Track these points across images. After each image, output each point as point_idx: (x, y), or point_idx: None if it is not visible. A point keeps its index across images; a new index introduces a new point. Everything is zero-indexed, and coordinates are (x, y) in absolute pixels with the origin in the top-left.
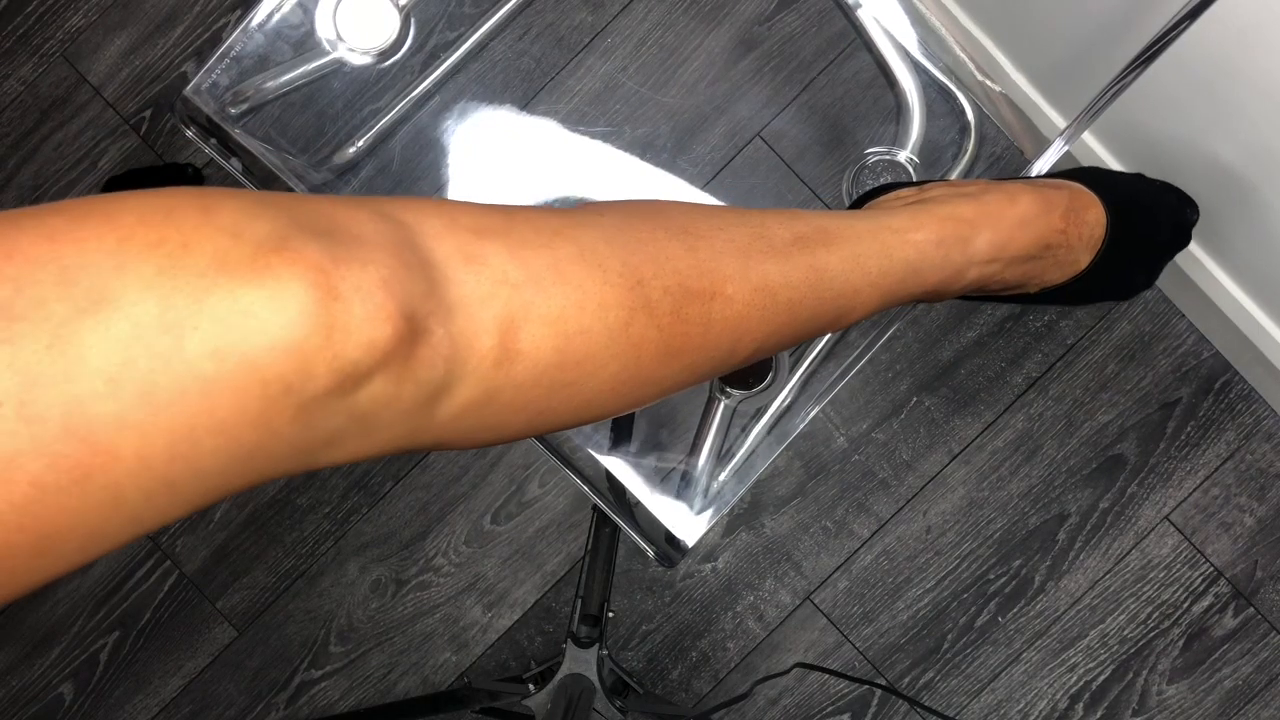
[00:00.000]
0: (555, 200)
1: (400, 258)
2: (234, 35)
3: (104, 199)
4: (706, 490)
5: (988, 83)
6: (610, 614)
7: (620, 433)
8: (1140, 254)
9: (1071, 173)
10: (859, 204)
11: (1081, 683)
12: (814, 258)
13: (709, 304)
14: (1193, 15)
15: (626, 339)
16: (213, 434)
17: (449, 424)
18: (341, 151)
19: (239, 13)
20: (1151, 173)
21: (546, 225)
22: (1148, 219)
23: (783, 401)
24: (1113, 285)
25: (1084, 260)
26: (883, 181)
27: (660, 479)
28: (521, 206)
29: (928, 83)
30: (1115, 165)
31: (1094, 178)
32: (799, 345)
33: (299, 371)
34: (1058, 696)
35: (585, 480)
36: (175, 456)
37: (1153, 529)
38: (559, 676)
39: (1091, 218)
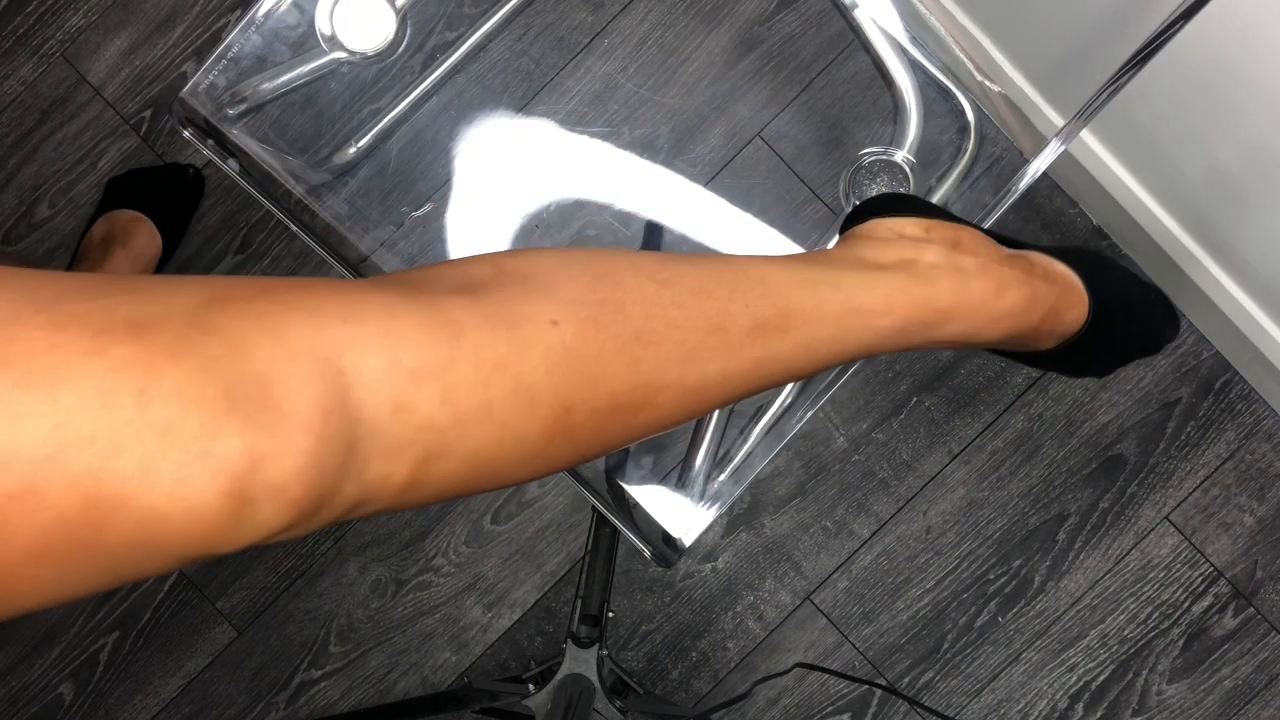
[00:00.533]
0: (553, 203)
1: (326, 431)
2: (232, 36)
3: (45, 347)
4: (704, 490)
5: (986, 82)
6: (610, 614)
7: None
8: (1103, 354)
9: (1079, 254)
10: (862, 211)
11: (1081, 683)
12: (765, 348)
13: (635, 415)
14: (1188, 15)
15: (540, 457)
16: (125, 574)
17: (349, 520)
18: (340, 152)
19: (238, 13)
20: (1152, 173)
21: (490, 355)
22: (1126, 328)
23: (782, 401)
24: (1062, 366)
25: (1045, 345)
26: (879, 182)
27: (658, 479)
28: (479, 322)
29: (926, 82)
30: (1116, 165)
31: (1094, 269)
32: None
33: (206, 549)
34: (1058, 696)
35: (582, 481)
36: (83, 591)
37: (1153, 529)
38: (559, 676)
39: (1070, 318)
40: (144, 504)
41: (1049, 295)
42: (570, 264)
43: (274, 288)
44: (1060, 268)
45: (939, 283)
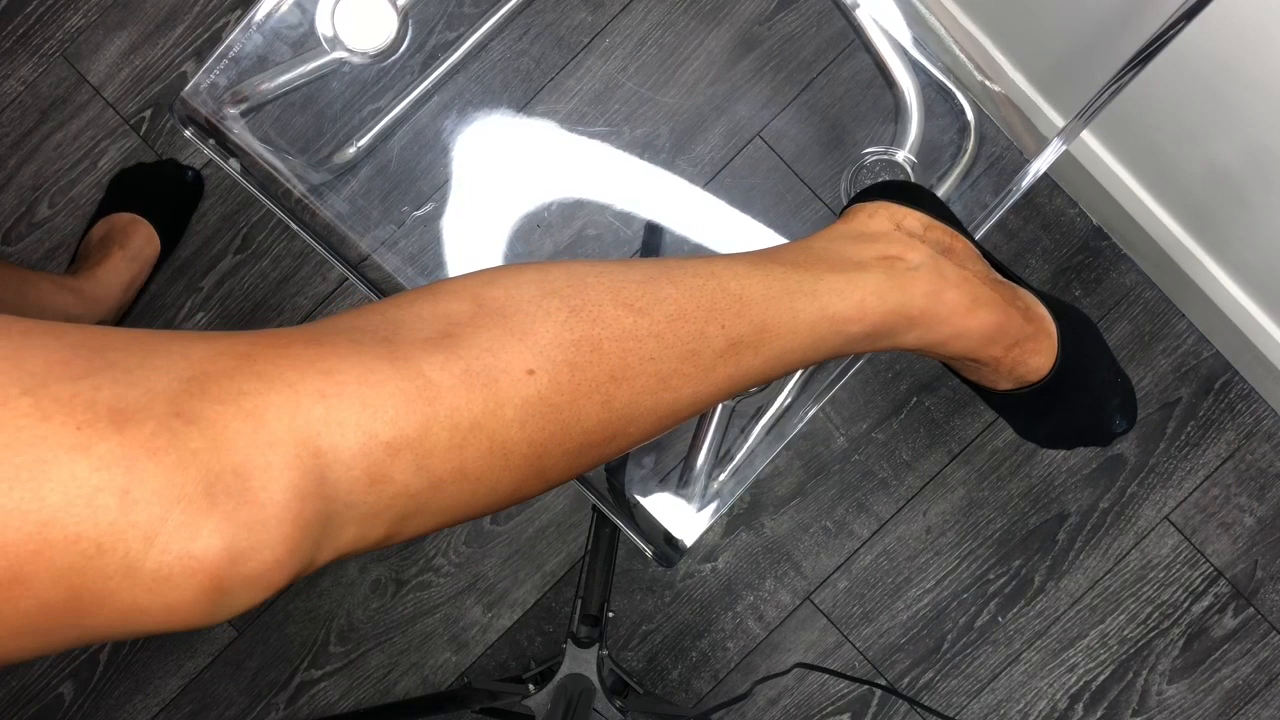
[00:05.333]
0: (554, 203)
1: (302, 516)
2: (232, 35)
3: (30, 439)
4: (705, 490)
5: (987, 82)
6: (610, 614)
7: None
8: (1053, 419)
9: (1066, 309)
10: (874, 192)
11: (1081, 683)
12: (738, 366)
13: (606, 446)
14: (1189, 15)
15: (512, 498)
16: (108, 640)
17: None
18: (341, 152)
19: (239, 13)
20: (1152, 173)
21: (466, 417)
22: (1082, 398)
23: (782, 401)
24: (1012, 416)
25: (1003, 385)
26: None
27: (659, 479)
28: (455, 381)
29: (926, 83)
30: (1116, 165)
31: (1075, 328)
32: None
33: (184, 629)
34: (1058, 696)
35: (583, 481)
36: (68, 648)
37: (1153, 529)
38: (559, 676)
39: (1035, 364)
40: (126, 599)
41: (1020, 331)
42: (550, 295)
43: (253, 357)
44: (1041, 311)
45: (915, 286)
